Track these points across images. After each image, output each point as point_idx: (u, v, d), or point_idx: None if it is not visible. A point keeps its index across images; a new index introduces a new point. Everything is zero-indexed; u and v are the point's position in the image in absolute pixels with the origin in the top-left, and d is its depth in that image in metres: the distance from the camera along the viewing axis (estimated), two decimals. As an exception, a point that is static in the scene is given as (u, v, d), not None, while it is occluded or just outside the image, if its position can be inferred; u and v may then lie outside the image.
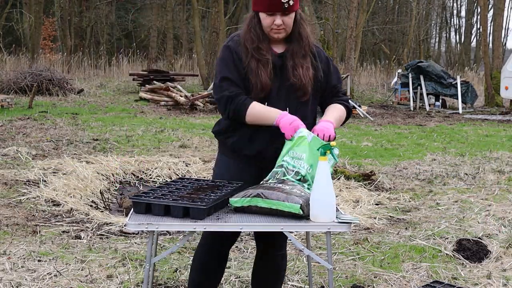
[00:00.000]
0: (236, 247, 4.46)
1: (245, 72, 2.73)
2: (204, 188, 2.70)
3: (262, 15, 2.73)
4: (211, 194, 2.57)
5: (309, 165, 2.61)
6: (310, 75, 2.76)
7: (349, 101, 2.99)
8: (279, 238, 2.97)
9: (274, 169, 2.65)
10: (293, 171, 2.60)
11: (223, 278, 3.79)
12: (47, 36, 27.83)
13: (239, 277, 3.82)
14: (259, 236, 3.03)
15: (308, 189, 2.57)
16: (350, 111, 2.92)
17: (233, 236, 2.90)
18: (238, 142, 2.79)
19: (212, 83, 12.92)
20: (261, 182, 2.65)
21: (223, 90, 2.72)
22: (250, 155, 2.78)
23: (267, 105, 2.71)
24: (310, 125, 2.76)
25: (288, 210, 2.44)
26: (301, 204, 2.43)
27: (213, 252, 2.88)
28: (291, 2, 2.65)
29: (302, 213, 2.44)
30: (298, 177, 2.59)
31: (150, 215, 2.49)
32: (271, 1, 2.65)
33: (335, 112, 2.83)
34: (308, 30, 2.81)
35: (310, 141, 2.62)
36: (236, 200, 2.54)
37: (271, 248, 3.00)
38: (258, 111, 2.69)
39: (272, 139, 2.73)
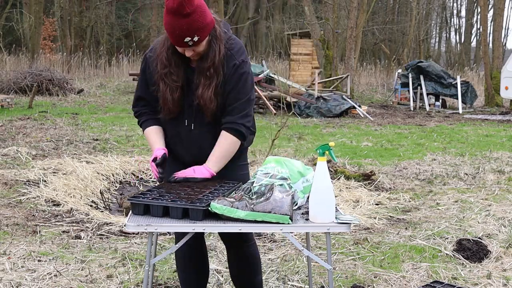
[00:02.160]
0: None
1: (154, 89, 2.82)
2: (202, 188, 2.69)
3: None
4: (210, 195, 2.57)
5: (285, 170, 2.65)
6: (209, 95, 2.70)
7: (243, 124, 2.78)
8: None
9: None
10: (268, 174, 2.61)
11: (223, 278, 3.79)
12: (47, 36, 27.85)
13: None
14: (222, 233, 3.03)
15: (289, 185, 2.57)
16: (243, 136, 2.79)
17: (197, 234, 2.84)
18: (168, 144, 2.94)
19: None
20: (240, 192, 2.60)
21: (134, 106, 2.96)
22: (176, 157, 2.92)
23: (176, 122, 2.81)
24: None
25: (276, 221, 2.41)
26: (290, 215, 2.41)
27: (182, 250, 2.91)
28: (195, 39, 2.60)
29: (291, 222, 2.43)
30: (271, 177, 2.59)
31: (149, 216, 2.49)
32: (174, 40, 2.62)
33: (221, 150, 2.76)
34: (219, 47, 2.71)
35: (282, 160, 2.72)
36: (218, 207, 2.43)
37: (238, 243, 3.00)
38: (148, 139, 2.92)
39: (188, 146, 2.85)
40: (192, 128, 2.80)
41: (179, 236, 2.94)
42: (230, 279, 3.79)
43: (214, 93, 2.71)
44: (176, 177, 2.74)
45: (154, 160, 2.77)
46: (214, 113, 2.76)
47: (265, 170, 2.65)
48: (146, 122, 2.90)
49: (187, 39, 2.58)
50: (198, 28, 2.58)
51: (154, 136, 2.87)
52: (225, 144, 2.77)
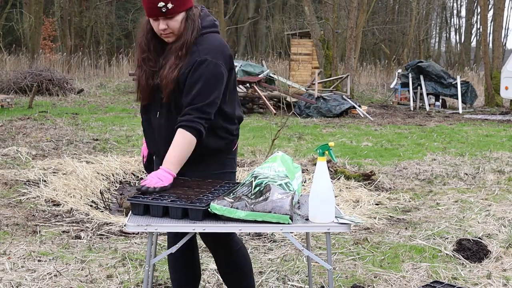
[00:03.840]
0: (236, 247, 4.46)
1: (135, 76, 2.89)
2: (202, 188, 2.69)
3: (150, 20, 2.70)
4: (209, 195, 2.57)
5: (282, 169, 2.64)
6: (174, 76, 2.65)
7: (201, 123, 2.65)
8: (222, 240, 2.89)
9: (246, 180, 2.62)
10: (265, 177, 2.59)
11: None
12: (47, 36, 27.85)
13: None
14: (206, 242, 2.95)
15: (287, 185, 2.56)
16: (201, 134, 2.65)
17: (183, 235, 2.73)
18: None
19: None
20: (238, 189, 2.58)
21: None
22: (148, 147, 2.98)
23: (148, 111, 2.84)
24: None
25: (277, 221, 2.41)
26: (290, 215, 2.41)
27: (172, 255, 2.88)
28: (169, 6, 2.58)
29: (291, 222, 2.43)
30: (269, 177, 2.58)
31: (149, 216, 2.49)
32: (148, 7, 2.62)
33: (178, 150, 2.63)
34: (192, 29, 2.67)
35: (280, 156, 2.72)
36: (218, 208, 2.42)
37: (220, 250, 2.94)
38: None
39: (154, 137, 2.86)
40: (158, 117, 2.78)
41: (172, 237, 2.92)
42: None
43: (178, 75, 2.66)
44: (143, 186, 2.58)
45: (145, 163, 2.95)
46: (170, 95, 2.68)
47: (266, 167, 2.64)
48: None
49: (161, 4, 2.57)
50: None
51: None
52: (182, 143, 2.63)
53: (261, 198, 2.44)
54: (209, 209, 2.43)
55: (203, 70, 2.64)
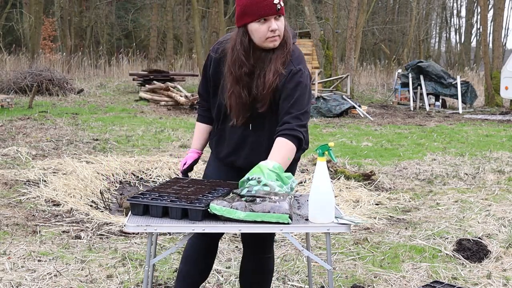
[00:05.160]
0: (236, 247, 4.46)
1: (216, 87, 2.77)
2: (201, 188, 2.69)
3: (254, 26, 2.57)
4: (209, 195, 2.56)
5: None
6: (276, 84, 2.59)
7: (302, 132, 2.62)
8: (267, 241, 2.94)
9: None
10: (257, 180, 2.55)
11: (223, 278, 3.79)
12: (47, 36, 27.85)
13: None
14: (246, 239, 2.99)
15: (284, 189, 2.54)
16: (300, 142, 2.62)
17: (216, 233, 2.78)
18: (213, 142, 2.91)
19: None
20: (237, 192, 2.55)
21: (198, 100, 3.01)
22: (220, 157, 2.87)
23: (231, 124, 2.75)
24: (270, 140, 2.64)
25: (276, 220, 2.40)
26: (289, 214, 2.40)
27: (196, 246, 2.88)
28: (281, 3, 2.55)
29: (291, 221, 2.43)
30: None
31: (149, 216, 2.49)
32: (265, 4, 2.52)
33: (280, 156, 2.55)
34: (292, 34, 2.68)
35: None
36: (217, 208, 2.41)
37: (259, 251, 2.97)
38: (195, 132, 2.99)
39: (237, 148, 2.78)
40: (252, 129, 2.72)
41: (195, 237, 2.88)
42: (230, 279, 3.79)
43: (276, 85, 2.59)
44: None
45: (185, 169, 2.89)
46: (268, 104, 2.63)
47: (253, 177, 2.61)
48: (198, 116, 2.97)
49: (276, 0, 2.53)
50: None
51: (197, 134, 2.96)
52: (284, 149, 2.56)
53: (258, 200, 2.42)
54: (208, 210, 2.43)
55: (298, 80, 2.61)
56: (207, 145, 3.01)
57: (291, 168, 2.78)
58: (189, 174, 2.98)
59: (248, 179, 2.49)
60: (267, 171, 2.48)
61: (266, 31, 2.57)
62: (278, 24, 2.58)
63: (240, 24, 2.61)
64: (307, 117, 2.65)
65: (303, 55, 2.75)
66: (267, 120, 2.69)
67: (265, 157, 2.58)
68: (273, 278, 3.81)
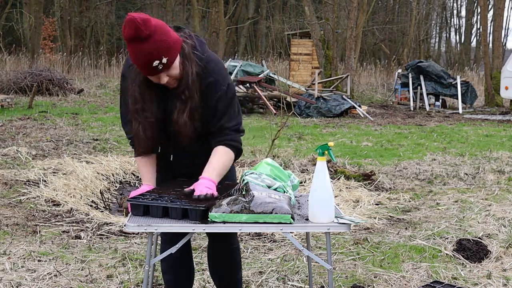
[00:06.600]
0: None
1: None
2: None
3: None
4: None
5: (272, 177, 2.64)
6: (185, 120, 2.57)
7: (234, 139, 2.69)
8: (230, 233, 2.94)
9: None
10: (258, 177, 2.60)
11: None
12: (47, 36, 27.81)
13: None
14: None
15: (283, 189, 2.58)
16: (239, 152, 2.71)
17: (182, 236, 2.64)
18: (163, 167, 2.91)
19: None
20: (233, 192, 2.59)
21: (126, 131, 2.83)
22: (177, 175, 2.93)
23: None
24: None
25: (278, 221, 2.41)
26: (291, 214, 2.41)
27: (170, 255, 2.81)
28: (164, 61, 2.44)
29: (293, 221, 2.43)
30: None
31: (149, 216, 2.49)
32: (145, 69, 2.47)
33: (219, 163, 2.63)
34: (191, 67, 2.56)
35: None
36: (216, 216, 2.41)
37: (224, 243, 2.98)
38: (138, 169, 2.90)
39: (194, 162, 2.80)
40: (172, 157, 2.77)
41: (169, 236, 2.89)
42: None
43: (189, 117, 2.58)
44: (200, 195, 2.50)
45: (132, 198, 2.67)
46: (190, 139, 2.64)
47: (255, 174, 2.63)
48: (135, 150, 2.78)
49: (156, 62, 2.43)
50: (163, 48, 2.42)
51: (143, 169, 2.80)
52: (223, 157, 2.65)
53: (247, 198, 2.44)
54: (208, 219, 2.42)
55: (221, 92, 2.63)
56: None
57: (232, 170, 2.91)
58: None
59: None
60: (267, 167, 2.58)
61: (158, 82, 2.56)
62: (169, 73, 2.53)
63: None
64: (242, 123, 2.74)
65: (221, 61, 2.71)
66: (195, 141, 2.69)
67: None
68: (272, 278, 3.81)
